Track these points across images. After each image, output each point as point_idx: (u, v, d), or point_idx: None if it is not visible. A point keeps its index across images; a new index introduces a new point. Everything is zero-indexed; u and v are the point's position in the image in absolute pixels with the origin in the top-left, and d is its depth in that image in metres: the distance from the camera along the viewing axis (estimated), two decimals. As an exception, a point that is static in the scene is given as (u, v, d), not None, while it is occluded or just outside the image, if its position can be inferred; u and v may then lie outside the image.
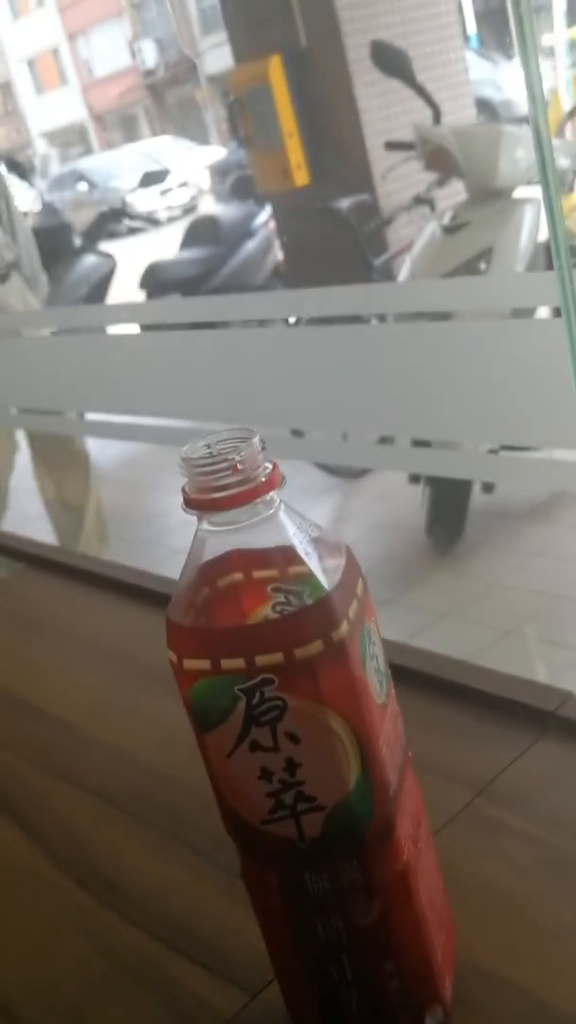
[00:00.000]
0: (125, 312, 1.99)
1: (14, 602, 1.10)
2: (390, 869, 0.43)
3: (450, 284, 1.41)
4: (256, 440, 0.40)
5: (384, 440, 2.22)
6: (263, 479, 0.40)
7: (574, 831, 0.58)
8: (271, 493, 0.40)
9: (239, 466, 0.39)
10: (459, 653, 0.76)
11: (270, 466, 0.40)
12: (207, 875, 0.61)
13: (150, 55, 19.77)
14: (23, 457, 3.54)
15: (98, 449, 4.28)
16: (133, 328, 1.93)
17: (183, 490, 0.40)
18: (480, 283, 1.54)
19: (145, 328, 1.90)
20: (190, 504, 0.40)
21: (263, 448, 0.40)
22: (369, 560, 2.68)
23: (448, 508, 2.68)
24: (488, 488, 2.68)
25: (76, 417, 2.36)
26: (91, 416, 2.15)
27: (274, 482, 0.40)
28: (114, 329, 1.94)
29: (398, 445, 1.93)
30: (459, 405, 1.12)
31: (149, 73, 20.03)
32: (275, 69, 4.17)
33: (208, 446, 0.41)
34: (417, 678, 0.73)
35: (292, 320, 2.23)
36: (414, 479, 2.74)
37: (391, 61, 2.89)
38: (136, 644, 0.90)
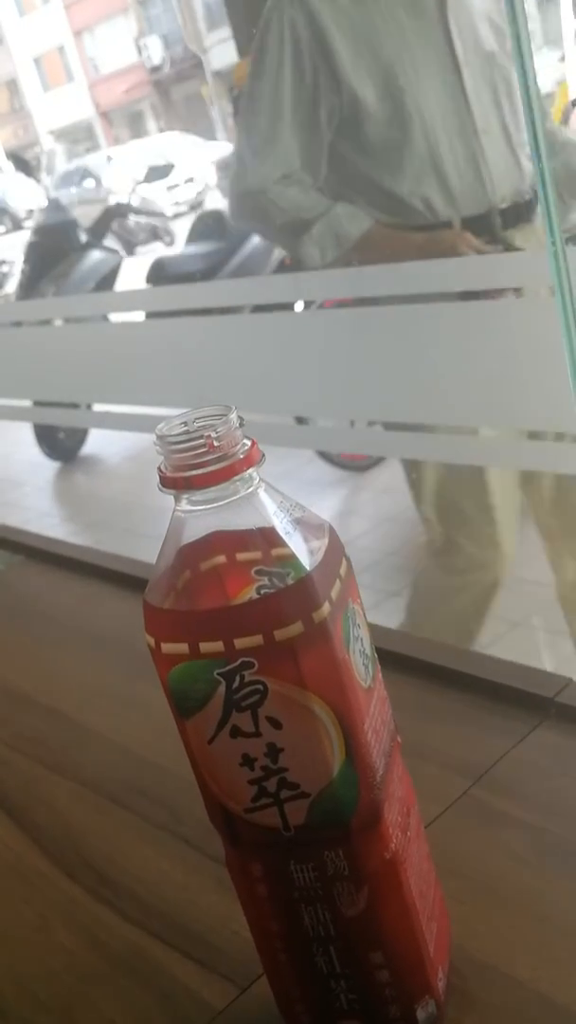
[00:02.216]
0: (129, 299, 1.98)
1: (12, 594, 1.09)
2: (378, 858, 0.42)
3: (459, 263, 1.38)
4: (233, 416, 0.39)
5: (391, 427, 2.19)
6: (241, 456, 0.38)
7: (572, 819, 0.56)
8: (250, 470, 0.39)
9: (215, 443, 0.38)
10: (468, 645, 0.75)
11: (248, 443, 0.39)
12: (199, 867, 0.60)
13: (156, 51, 19.74)
14: (19, 450, 3.47)
15: (104, 443, 4.29)
16: (138, 317, 1.92)
17: (159, 469, 0.39)
18: (486, 261, 1.51)
19: (150, 316, 1.89)
20: (165, 483, 0.39)
21: (240, 424, 0.39)
22: (376, 553, 2.68)
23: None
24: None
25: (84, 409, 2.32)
26: (97, 407, 2.14)
27: (252, 459, 0.39)
28: (117, 318, 1.93)
29: (405, 431, 1.91)
30: (467, 387, 1.10)
31: (155, 69, 20.01)
32: (279, 61, 4.14)
33: (185, 423, 0.39)
34: (414, 665, 0.72)
35: (300, 307, 2.21)
36: (422, 471, 2.72)
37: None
38: (133, 635, 0.88)
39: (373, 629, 0.45)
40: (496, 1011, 0.47)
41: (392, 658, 0.71)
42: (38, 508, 4.01)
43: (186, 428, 0.39)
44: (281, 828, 0.41)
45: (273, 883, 0.43)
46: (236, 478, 0.39)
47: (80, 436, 4.28)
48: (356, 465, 3.22)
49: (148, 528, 3.30)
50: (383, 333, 1.20)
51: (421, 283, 1.15)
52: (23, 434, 4.33)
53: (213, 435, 0.38)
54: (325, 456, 3.16)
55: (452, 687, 0.70)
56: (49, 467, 4.28)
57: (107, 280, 4.35)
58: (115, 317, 2.10)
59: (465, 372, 1.10)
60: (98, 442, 4.31)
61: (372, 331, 1.21)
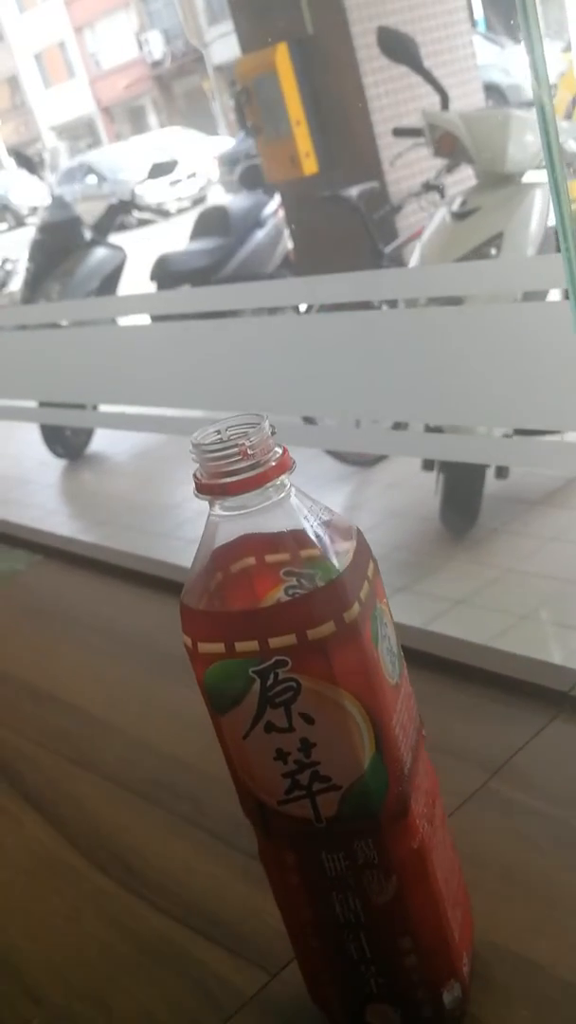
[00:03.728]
0: (137, 303, 1.99)
1: (33, 594, 1.11)
2: (406, 847, 0.43)
3: (461, 268, 1.41)
4: (266, 424, 0.40)
5: (398, 426, 2.21)
6: (273, 463, 0.40)
7: (589, 809, 0.58)
8: (282, 477, 0.40)
9: (249, 451, 0.40)
10: (475, 639, 0.77)
11: (280, 450, 0.41)
12: (225, 858, 0.62)
13: (157, 46, 19.73)
14: (26, 449, 3.46)
15: (111, 442, 4.30)
16: (143, 320, 1.93)
17: (195, 476, 0.41)
18: (491, 267, 1.53)
19: (156, 319, 1.90)
20: (201, 489, 0.40)
21: (273, 433, 0.40)
22: (383, 548, 2.69)
23: (462, 495, 2.68)
24: (502, 474, 2.68)
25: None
26: (104, 408, 2.16)
27: (284, 466, 0.40)
28: (125, 321, 1.95)
29: (412, 431, 1.93)
30: (472, 389, 1.12)
31: (156, 64, 20.00)
32: (282, 57, 4.15)
33: (218, 432, 0.41)
34: (431, 661, 0.73)
35: (304, 308, 2.23)
36: (427, 466, 2.74)
37: (398, 47, 2.87)
38: (153, 632, 0.91)
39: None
40: (519, 995, 0.48)
41: (410, 654, 0.72)
42: (45, 506, 4.03)
43: (220, 436, 0.41)
44: (313, 819, 0.42)
45: (305, 872, 0.44)
46: (268, 485, 0.40)
47: (86, 434, 4.29)
48: (363, 460, 3.23)
49: (154, 525, 3.32)
50: (387, 334, 1.22)
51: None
52: (30, 432, 4.35)
53: (246, 443, 0.40)
54: (332, 451, 3.18)
55: (470, 682, 0.72)
56: (55, 465, 4.30)
57: (112, 278, 4.36)
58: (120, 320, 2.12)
59: (470, 373, 1.12)
60: (104, 440, 4.32)
61: (376, 332, 1.23)
